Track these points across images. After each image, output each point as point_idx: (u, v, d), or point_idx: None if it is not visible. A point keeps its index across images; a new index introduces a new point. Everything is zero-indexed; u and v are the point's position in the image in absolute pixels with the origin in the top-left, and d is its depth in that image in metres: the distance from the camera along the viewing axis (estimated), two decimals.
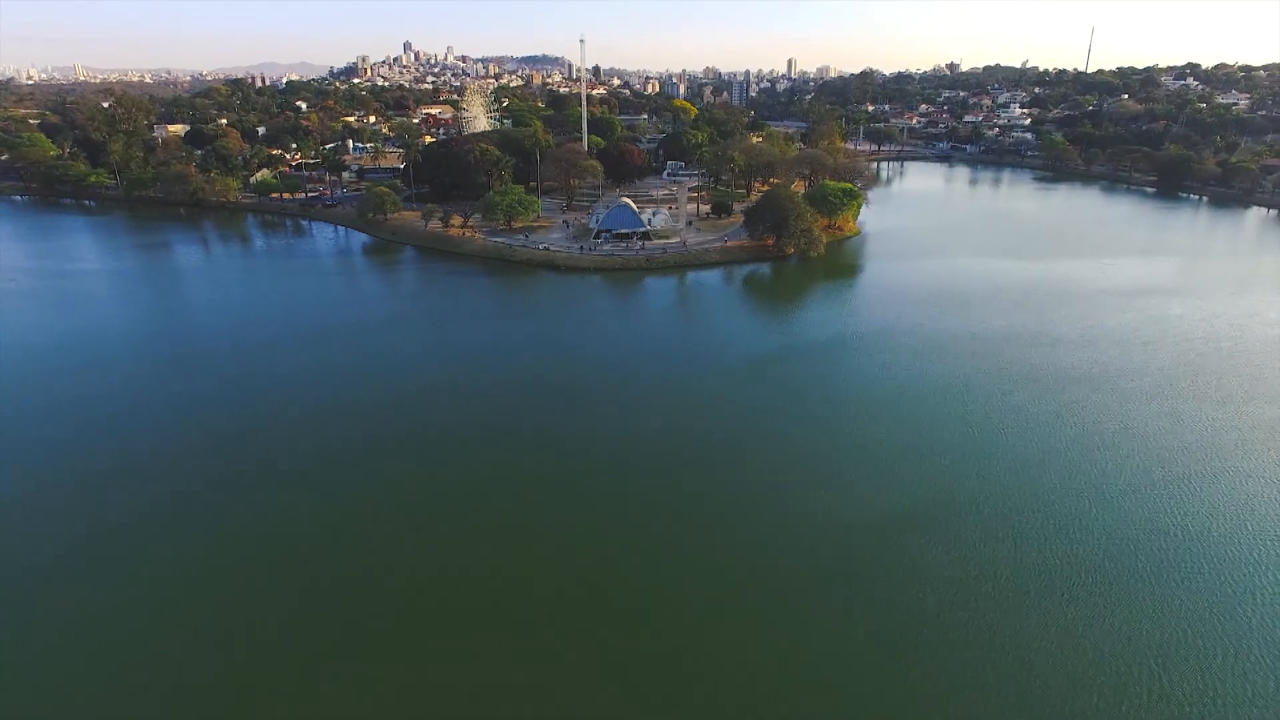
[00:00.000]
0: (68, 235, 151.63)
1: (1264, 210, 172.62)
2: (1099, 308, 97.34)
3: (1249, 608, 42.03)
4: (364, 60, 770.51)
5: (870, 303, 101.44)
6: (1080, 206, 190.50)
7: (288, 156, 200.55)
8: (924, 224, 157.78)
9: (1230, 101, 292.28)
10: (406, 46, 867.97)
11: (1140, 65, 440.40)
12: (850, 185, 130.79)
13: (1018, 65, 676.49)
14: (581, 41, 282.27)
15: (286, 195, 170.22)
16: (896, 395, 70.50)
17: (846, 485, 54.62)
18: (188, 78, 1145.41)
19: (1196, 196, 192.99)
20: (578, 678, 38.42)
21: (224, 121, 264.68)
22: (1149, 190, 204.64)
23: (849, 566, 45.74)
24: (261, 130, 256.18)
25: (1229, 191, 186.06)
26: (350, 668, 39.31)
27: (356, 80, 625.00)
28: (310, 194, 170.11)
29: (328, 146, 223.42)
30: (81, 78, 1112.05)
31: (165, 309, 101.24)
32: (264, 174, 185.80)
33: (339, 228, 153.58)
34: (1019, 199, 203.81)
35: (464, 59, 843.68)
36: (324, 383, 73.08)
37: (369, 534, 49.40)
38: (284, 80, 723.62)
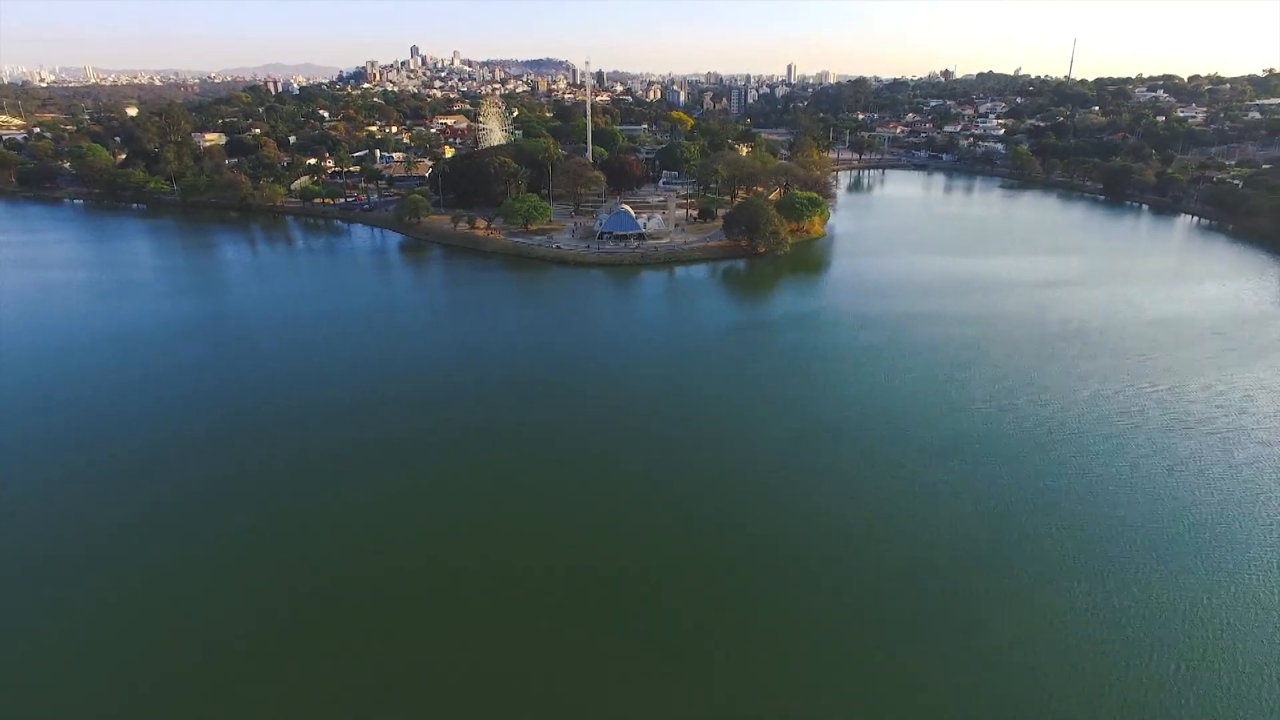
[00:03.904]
0: (141, 236, 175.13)
1: (1190, 218, 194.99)
2: (1006, 295, 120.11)
3: (1002, 487, 64.70)
4: (373, 65, 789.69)
5: (821, 291, 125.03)
6: (1029, 212, 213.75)
7: (325, 165, 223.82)
8: (885, 226, 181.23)
9: (1188, 115, 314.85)
10: (414, 51, 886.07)
11: (1132, 70, 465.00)
12: (815, 195, 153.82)
13: (1010, 73, 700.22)
14: (587, 63, 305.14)
15: (327, 200, 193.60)
16: (828, 353, 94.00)
17: (793, 402, 77.60)
18: (195, 80, 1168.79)
19: (1138, 204, 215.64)
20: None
21: (257, 131, 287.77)
22: (1099, 198, 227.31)
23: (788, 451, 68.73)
24: (292, 139, 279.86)
25: (1163, 200, 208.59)
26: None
27: (366, 85, 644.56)
28: (348, 199, 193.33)
29: (356, 155, 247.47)
30: (92, 80, 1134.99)
31: (247, 296, 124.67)
32: (304, 181, 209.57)
33: (375, 229, 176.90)
34: (977, 205, 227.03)
35: (469, 63, 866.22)
36: (374, 351, 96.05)
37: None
38: (295, 85, 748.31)
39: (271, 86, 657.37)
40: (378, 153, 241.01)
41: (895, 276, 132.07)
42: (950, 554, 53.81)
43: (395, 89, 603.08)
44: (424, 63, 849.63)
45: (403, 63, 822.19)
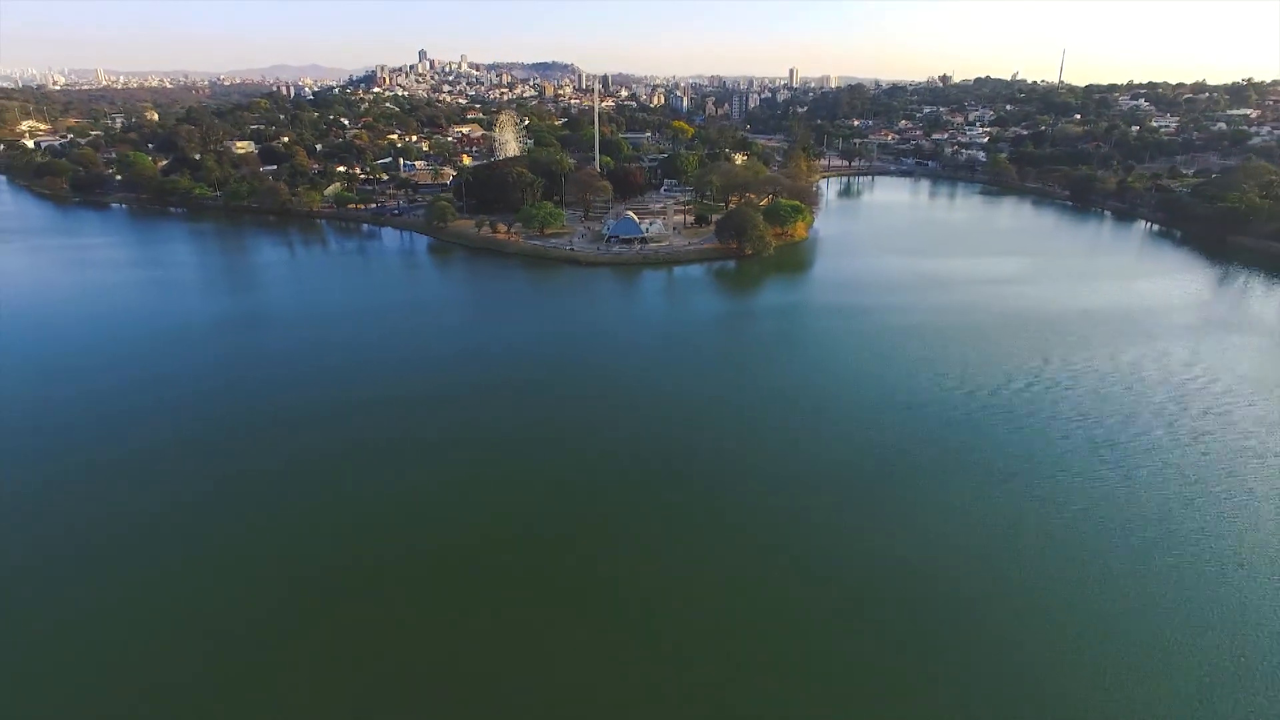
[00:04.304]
0: (193, 239, 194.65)
1: (1145, 224, 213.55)
2: (959, 290, 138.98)
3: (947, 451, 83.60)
4: (383, 69, 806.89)
5: (797, 287, 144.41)
6: (1000, 217, 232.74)
7: (356, 172, 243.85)
8: (864, 230, 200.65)
9: (1162, 124, 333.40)
10: (422, 55, 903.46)
11: (1133, 73, 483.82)
12: (798, 203, 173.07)
13: (1008, 78, 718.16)
14: (596, 84, 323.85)
15: (360, 206, 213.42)
16: (800, 337, 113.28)
17: (768, 374, 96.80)
18: (205, 82, 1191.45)
19: (1102, 211, 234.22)
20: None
21: (286, 140, 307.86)
22: (1069, 204, 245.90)
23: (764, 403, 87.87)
24: (319, 147, 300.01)
25: (1123, 207, 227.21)
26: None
27: (377, 89, 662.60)
28: (380, 205, 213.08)
29: (380, 162, 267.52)
30: (103, 82, 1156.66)
31: (294, 292, 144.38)
32: (336, 187, 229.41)
33: (404, 233, 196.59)
34: (953, 210, 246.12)
35: (476, 67, 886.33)
36: (402, 339, 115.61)
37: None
38: (306, 88, 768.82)
39: (284, 90, 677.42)
40: (402, 161, 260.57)
41: (866, 275, 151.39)
42: (873, 461, 72.84)
43: (405, 94, 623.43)
44: (432, 66, 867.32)
45: (411, 66, 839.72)
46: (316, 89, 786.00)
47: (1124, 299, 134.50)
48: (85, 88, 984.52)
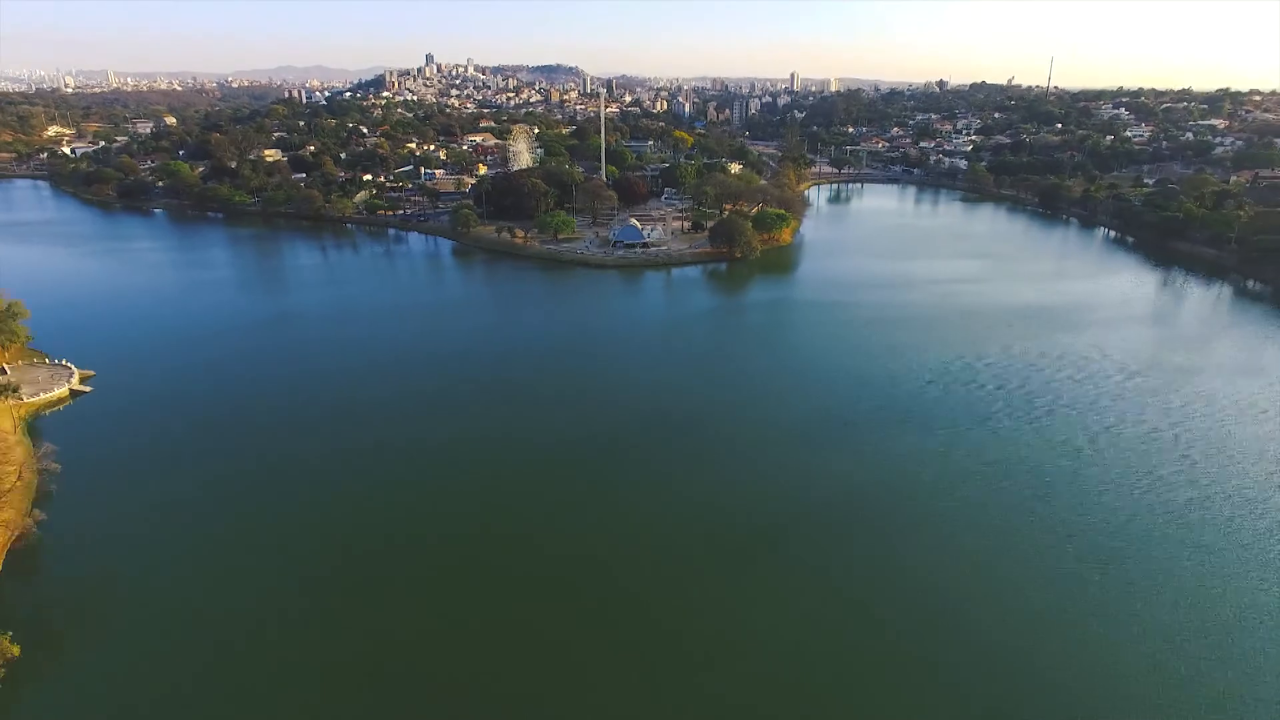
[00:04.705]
0: (237, 243, 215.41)
1: (1105, 231, 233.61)
2: (915, 289, 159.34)
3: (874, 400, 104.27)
4: (391, 74, 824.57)
5: (778, 285, 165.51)
6: (974, 223, 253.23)
7: (381, 180, 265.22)
8: (845, 235, 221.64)
9: (1136, 134, 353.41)
10: (429, 59, 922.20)
11: (1132, 76, 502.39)
12: (783, 211, 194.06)
13: (1003, 82, 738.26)
14: (601, 90, 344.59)
15: (388, 212, 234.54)
16: (779, 326, 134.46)
17: (750, 355, 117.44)
18: (214, 84, 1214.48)
19: (1068, 218, 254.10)
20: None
21: (312, 149, 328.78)
22: (1041, 212, 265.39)
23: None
24: (343, 155, 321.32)
25: (1086, 215, 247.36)
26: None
27: (387, 94, 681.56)
28: (408, 211, 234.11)
29: (402, 170, 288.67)
30: (114, 84, 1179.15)
31: (340, 291, 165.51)
32: (363, 195, 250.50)
33: (429, 237, 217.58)
34: (931, 217, 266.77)
35: (483, 70, 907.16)
36: (442, 332, 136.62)
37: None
38: (316, 92, 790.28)
39: (298, 96, 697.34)
40: (422, 169, 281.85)
41: (841, 275, 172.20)
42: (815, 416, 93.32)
43: (415, 98, 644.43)
44: (439, 70, 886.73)
45: (419, 70, 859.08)
46: (326, 92, 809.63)
47: (1062, 297, 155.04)
48: (97, 90, 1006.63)
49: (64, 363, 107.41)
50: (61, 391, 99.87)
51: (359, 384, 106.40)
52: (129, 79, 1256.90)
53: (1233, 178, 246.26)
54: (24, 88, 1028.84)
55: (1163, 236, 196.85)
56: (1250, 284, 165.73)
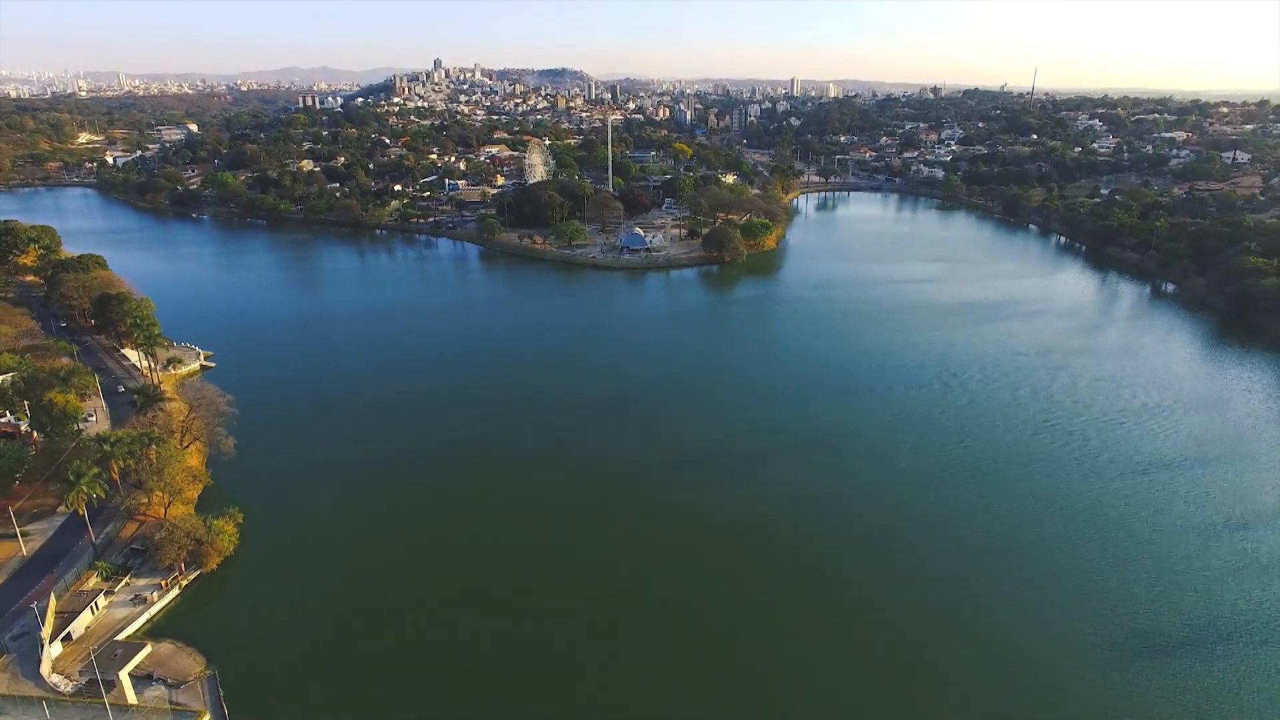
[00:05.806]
0: (286, 248, 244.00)
1: (1058, 238, 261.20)
2: (878, 288, 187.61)
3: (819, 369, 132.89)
4: (401, 79, 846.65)
5: (760, 284, 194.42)
6: (942, 230, 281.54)
7: (413, 191, 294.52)
8: (824, 241, 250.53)
9: (1100, 146, 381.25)
10: (437, 64, 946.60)
11: (1125, 76, 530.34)
12: (767, 220, 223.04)
13: (995, 89, 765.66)
14: (606, 95, 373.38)
15: (420, 219, 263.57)
16: (756, 318, 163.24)
17: (736, 341, 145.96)
18: (223, 87, 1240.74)
19: (1029, 226, 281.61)
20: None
21: (343, 160, 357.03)
22: (1004, 220, 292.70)
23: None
24: (371, 165, 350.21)
25: (1043, 222, 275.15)
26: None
27: (397, 99, 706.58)
28: (439, 218, 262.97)
29: (426, 180, 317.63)
30: (125, 86, 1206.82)
31: (391, 292, 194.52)
32: (396, 204, 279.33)
33: (457, 242, 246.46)
34: (906, 223, 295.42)
35: (490, 75, 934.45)
36: (484, 324, 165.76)
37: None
38: (327, 96, 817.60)
39: (312, 101, 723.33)
40: (446, 180, 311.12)
41: (814, 275, 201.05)
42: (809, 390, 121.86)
43: (425, 104, 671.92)
44: (447, 75, 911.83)
45: (427, 74, 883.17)
46: (338, 96, 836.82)
47: (1000, 294, 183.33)
48: (110, 93, 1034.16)
49: (189, 345, 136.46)
50: (194, 366, 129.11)
51: (436, 369, 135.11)
52: (138, 81, 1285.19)
53: (1175, 189, 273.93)
54: (35, 90, 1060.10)
55: (1100, 242, 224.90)
56: (1165, 286, 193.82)
